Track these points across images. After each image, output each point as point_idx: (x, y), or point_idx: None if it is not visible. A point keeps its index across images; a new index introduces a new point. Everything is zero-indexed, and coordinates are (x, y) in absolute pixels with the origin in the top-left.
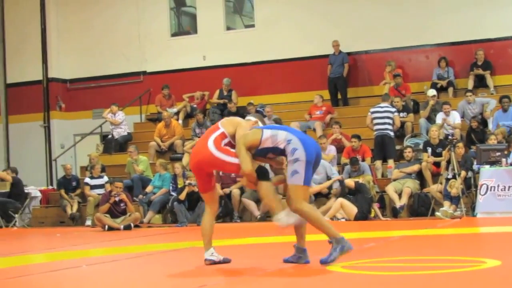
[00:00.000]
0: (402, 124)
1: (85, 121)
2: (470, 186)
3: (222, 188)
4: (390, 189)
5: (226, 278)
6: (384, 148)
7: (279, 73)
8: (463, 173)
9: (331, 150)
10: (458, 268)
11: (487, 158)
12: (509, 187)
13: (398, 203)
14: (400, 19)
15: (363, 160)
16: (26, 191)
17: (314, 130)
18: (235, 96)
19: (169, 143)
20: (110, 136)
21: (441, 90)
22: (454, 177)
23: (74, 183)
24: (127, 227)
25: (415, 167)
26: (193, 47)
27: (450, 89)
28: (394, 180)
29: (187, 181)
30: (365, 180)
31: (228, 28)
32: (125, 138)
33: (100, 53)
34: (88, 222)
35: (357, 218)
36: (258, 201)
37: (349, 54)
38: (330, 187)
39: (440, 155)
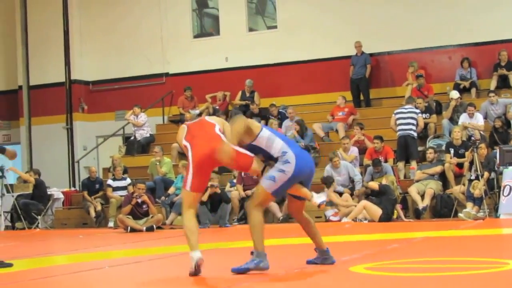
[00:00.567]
0: (425, 125)
1: (107, 123)
2: (493, 187)
3: (245, 190)
4: (413, 190)
5: (250, 279)
6: (407, 149)
7: (301, 74)
8: (486, 174)
9: (353, 151)
10: (481, 269)
11: (510, 159)
12: None
13: (421, 204)
14: (422, 20)
15: (386, 161)
16: (48, 192)
17: (337, 131)
18: (257, 97)
19: None
20: (132, 138)
21: (464, 91)
22: (477, 178)
23: (97, 186)
24: (150, 229)
25: (438, 168)
26: (215, 48)
27: (473, 90)
28: (417, 181)
29: (210, 183)
30: (388, 181)
31: (251, 30)
32: (147, 140)
33: (122, 55)
34: (111, 224)
35: (382, 219)
36: (280, 202)
37: (371, 55)
38: (352, 188)
39: (462, 156)
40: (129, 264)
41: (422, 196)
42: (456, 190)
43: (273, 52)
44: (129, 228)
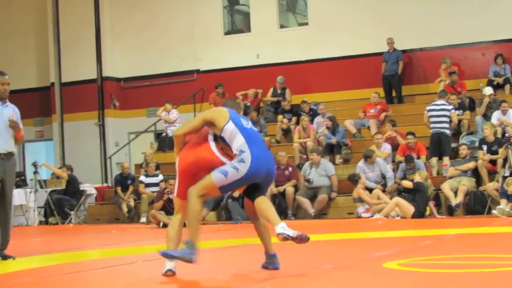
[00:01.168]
0: (458, 121)
1: (139, 119)
2: None
3: (276, 186)
4: (446, 187)
5: (282, 274)
6: (441, 146)
7: (333, 71)
8: None
9: (386, 148)
10: None
11: None
12: None
13: (454, 201)
14: (455, 16)
15: (418, 157)
16: (81, 188)
17: (368, 128)
18: (288, 94)
19: None
20: (164, 134)
21: (497, 87)
22: (511, 175)
23: (129, 181)
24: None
25: (471, 165)
26: (246, 45)
27: (507, 87)
28: (450, 178)
29: None
30: (422, 178)
31: (282, 26)
32: None
33: (153, 52)
34: (143, 219)
35: (414, 216)
36: (312, 198)
37: (403, 51)
38: (384, 184)
39: (496, 152)
40: (162, 259)
41: (455, 193)
42: (490, 187)
43: (304, 49)
44: (161, 223)
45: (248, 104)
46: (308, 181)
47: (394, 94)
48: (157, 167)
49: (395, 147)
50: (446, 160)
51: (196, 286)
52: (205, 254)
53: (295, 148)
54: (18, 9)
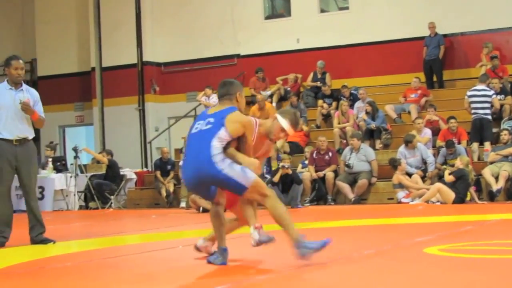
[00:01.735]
0: (500, 106)
1: (179, 104)
2: None
3: (316, 171)
4: (487, 173)
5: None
6: (482, 131)
7: (373, 55)
8: None
9: (427, 133)
10: None
11: None
12: None
13: (495, 187)
14: (497, 0)
15: (459, 143)
16: (121, 173)
17: (409, 112)
18: (329, 78)
19: None
20: None
21: None
22: None
23: (169, 166)
24: None
25: None
26: (286, 30)
27: None
28: (491, 163)
29: (281, 164)
30: (463, 163)
31: (322, 11)
32: None
33: (194, 37)
34: (183, 204)
35: (455, 202)
36: (352, 184)
37: (445, 36)
38: (425, 169)
39: None
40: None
41: (496, 178)
42: None
43: (344, 33)
44: (201, 208)
45: (288, 89)
46: (348, 166)
47: (435, 79)
48: None
49: (435, 132)
50: (487, 145)
51: (240, 270)
52: (244, 239)
53: (335, 133)
54: None
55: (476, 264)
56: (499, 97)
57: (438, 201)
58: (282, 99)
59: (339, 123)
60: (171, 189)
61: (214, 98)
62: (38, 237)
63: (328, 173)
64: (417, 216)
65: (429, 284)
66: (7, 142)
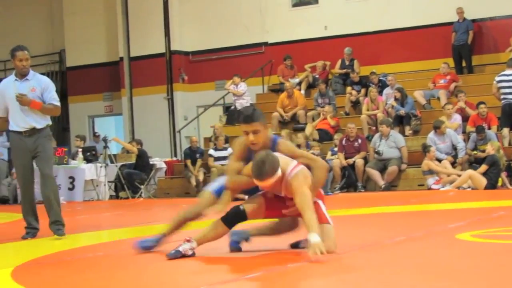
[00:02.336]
0: None
1: (207, 92)
2: None
3: (346, 159)
4: None
5: (356, 246)
6: None
7: (401, 41)
8: None
9: (457, 119)
10: None
11: None
12: None
13: None
14: None
15: (489, 128)
16: (151, 162)
17: (438, 98)
18: (357, 65)
19: (291, 113)
20: (232, 108)
21: None
22: None
23: (198, 155)
24: None
25: None
26: (314, 17)
27: None
28: None
29: (311, 151)
30: (494, 148)
31: None
32: None
33: (221, 25)
34: None
35: (486, 188)
36: (382, 170)
37: (473, 21)
38: (455, 155)
39: None
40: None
41: None
42: None
43: (372, 20)
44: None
45: (317, 76)
46: (378, 153)
47: (464, 64)
48: (226, 141)
49: (465, 118)
50: None
51: (262, 261)
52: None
53: (364, 120)
54: None
55: (509, 250)
56: None
57: (469, 187)
58: (311, 86)
59: (368, 110)
60: (201, 178)
61: (242, 86)
62: (51, 226)
63: (358, 160)
64: (448, 202)
65: (462, 269)
66: (17, 134)
